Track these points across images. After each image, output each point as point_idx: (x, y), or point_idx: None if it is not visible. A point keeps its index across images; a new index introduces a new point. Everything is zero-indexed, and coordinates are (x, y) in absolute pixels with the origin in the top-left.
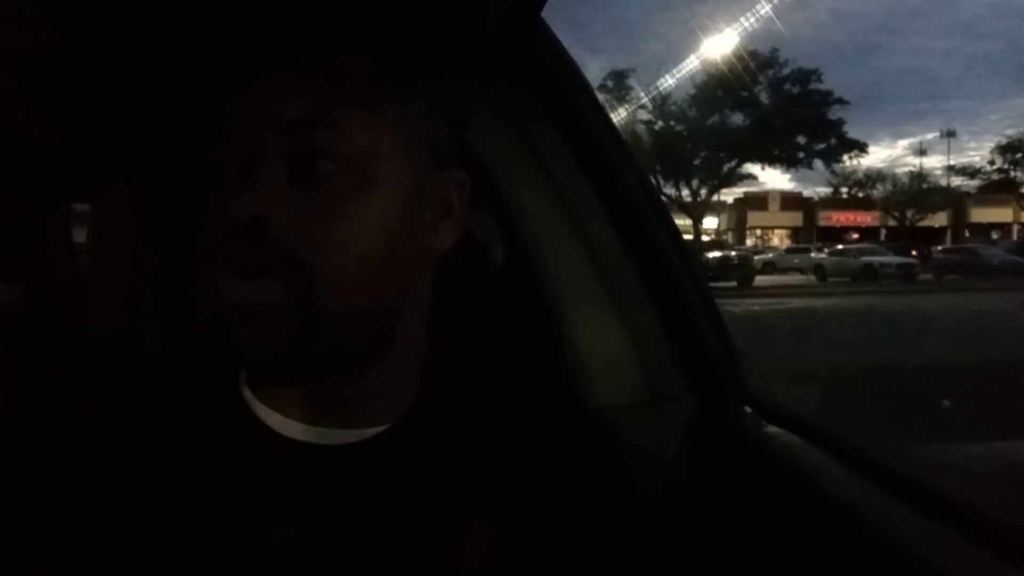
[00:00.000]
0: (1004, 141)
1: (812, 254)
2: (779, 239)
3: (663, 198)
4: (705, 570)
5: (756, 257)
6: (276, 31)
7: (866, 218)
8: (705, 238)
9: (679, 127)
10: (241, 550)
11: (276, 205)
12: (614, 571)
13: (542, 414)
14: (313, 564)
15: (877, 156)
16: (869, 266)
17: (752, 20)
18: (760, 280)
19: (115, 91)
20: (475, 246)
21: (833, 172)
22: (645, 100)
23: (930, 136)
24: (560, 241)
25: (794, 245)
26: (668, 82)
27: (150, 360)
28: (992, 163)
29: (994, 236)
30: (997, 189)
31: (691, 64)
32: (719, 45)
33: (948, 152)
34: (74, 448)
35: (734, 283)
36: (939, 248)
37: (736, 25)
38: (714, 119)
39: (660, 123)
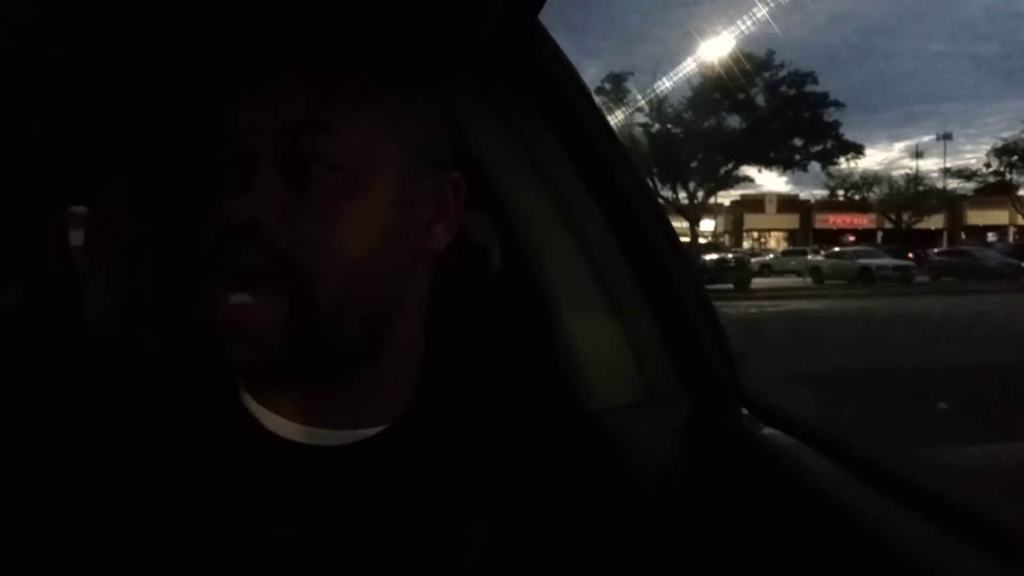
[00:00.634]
0: (1000, 144)
1: (809, 257)
2: (776, 242)
3: (660, 200)
4: (702, 571)
5: (753, 259)
6: (271, 34)
7: (862, 221)
8: (702, 240)
9: (676, 130)
10: (239, 550)
11: (269, 208)
12: (611, 572)
13: (539, 415)
14: (311, 565)
15: (873, 158)
16: (865, 269)
17: (749, 23)
18: (757, 282)
19: (112, 93)
20: (473, 248)
21: (829, 175)
22: (642, 103)
23: (926, 139)
24: (557, 243)
25: (791, 248)
26: (665, 85)
27: (147, 362)
28: (988, 166)
29: (990, 238)
30: (993, 192)
31: (688, 67)
32: (716, 48)
33: (944, 154)
34: (72, 450)
35: (731, 285)
36: (935, 251)
37: (732, 28)
38: (711, 122)
39: (657, 125)
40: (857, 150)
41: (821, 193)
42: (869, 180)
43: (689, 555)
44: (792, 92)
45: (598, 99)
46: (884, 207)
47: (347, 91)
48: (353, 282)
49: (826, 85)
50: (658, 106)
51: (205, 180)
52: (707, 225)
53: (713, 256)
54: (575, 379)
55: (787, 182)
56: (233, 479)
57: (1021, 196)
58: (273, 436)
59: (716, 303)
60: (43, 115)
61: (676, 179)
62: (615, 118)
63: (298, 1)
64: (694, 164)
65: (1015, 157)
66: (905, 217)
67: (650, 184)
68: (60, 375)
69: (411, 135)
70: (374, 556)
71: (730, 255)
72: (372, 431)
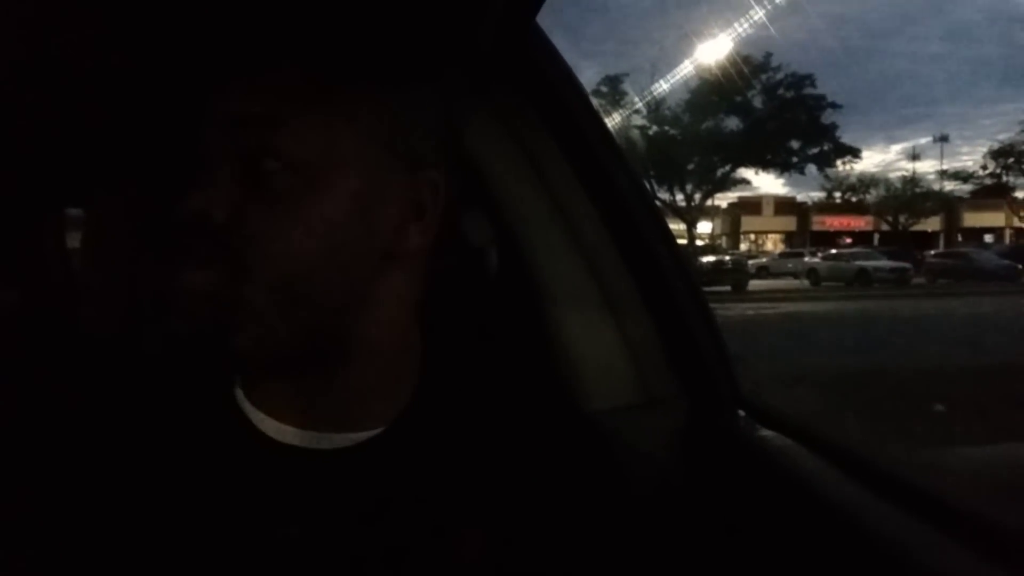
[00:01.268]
0: (997, 146)
1: (806, 258)
2: (773, 243)
3: (657, 202)
4: (700, 573)
5: (750, 261)
6: (231, 32)
7: (859, 222)
8: (699, 242)
9: (673, 131)
10: (238, 551)
11: (218, 203)
12: (609, 574)
13: (537, 418)
14: (309, 566)
15: (871, 160)
16: (863, 270)
17: (746, 25)
18: (754, 284)
19: (109, 95)
20: (470, 250)
21: (827, 177)
22: (639, 105)
23: (923, 141)
24: (555, 245)
25: (788, 249)
26: (662, 87)
27: (144, 364)
28: (985, 168)
29: (987, 240)
30: (990, 193)
31: (685, 69)
32: (713, 50)
33: (941, 157)
34: (69, 452)
35: (728, 287)
36: (932, 253)
37: (730, 30)
38: (708, 124)
39: (654, 127)
40: (854, 153)
41: (818, 195)
42: (866, 182)
43: (687, 557)
44: (789, 94)
45: (595, 101)
46: (881, 209)
47: (304, 89)
48: (293, 278)
49: (823, 87)
50: (655, 108)
51: (188, 176)
52: (704, 227)
53: (710, 258)
54: (572, 381)
55: (784, 184)
56: (230, 483)
57: (1017, 198)
58: (270, 440)
59: (713, 305)
60: (38, 118)
61: (673, 181)
62: (612, 120)
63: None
64: (691, 166)
65: (1011, 159)
66: (902, 219)
67: (647, 186)
68: (57, 378)
69: (379, 135)
70: (372, 559)
71: (727, 257)
72: (369, 434)
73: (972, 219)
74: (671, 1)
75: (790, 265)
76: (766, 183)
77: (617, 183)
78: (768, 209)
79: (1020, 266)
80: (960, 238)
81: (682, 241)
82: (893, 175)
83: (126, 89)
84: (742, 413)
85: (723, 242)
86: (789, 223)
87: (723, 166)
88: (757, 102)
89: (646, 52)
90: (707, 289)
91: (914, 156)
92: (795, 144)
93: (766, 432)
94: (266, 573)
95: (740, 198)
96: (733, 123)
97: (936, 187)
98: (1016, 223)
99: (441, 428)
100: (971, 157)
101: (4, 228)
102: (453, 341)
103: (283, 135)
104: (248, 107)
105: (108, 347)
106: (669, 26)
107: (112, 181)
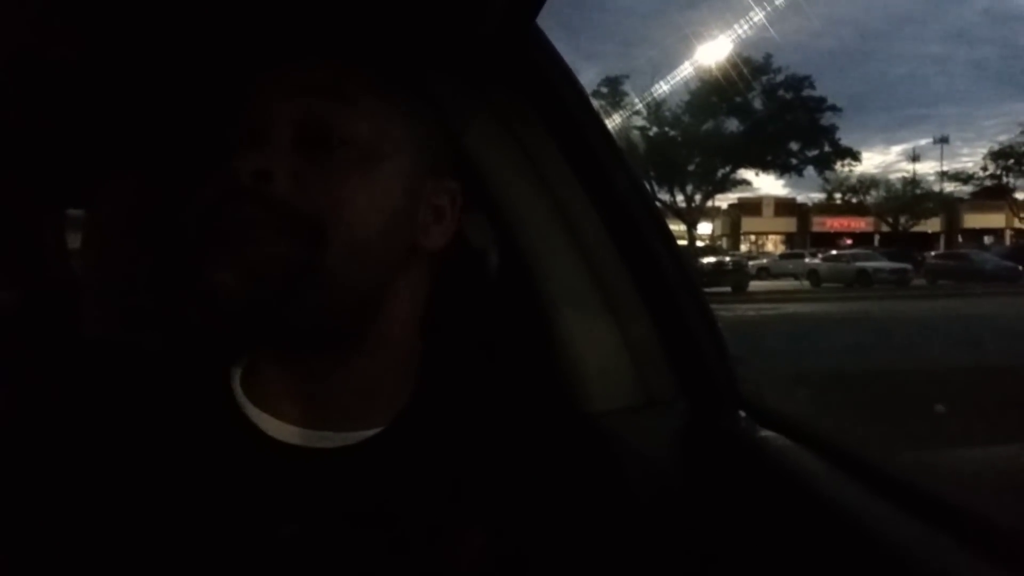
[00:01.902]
0: (997, 147)
1: (806, 259)
2: (773, 245)
3: (657, 203)
4: (700, 574)
5: (750, 262)
6: (283, 31)
7: (860, 224)
8: (700, 243)
9: (673, 133)
10: (237, 550)
11: (280, 164)
12: (609, 575)
13: (537, 419)
14: (308, 565)
15: (871, 162)
16: (863, 271)
17: (746, 27)
18: (754, 285)
19: (111, 93)
20: (470, 251)
21: (826, 179)
22: (640, 106)
23: (923, 142)
24: (555, 246)
25: (788, 251)
26: (662, 88)
27: (143, 364)
28: (985, 169)
29: (987, 241)
30: (990, 195)
31: (685, 70)
32: (713, 51)
33: (941, 158)
34: (69, 452)
35: (728, 288)
36: (932, 254)
37: (730, 32)
38: (708, 125)
39: (655, 129)
40: (853, 156)
41: (819, 196)
42: (866, 183)
43: (687, 558)
44: (789, 96)
45: (596, 102)
46: (881, 210)
47: (366, 75)
48: (359, 248)
49: (823, 89)
50: (656, 109)
51: (211, 148)
52: (704, 228)
53: (710, 259)
54: (572, 382)
55: (784, 185)
56: (230, 482)
57: (1017, 199)
58: (269, 439)
59: (713, 306)
60: (40, 117)
61: (674, 182)
62: (613, 121)
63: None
64: (691, 167)
65: (1012, 160)
66: (902, 220)
67: (648, 187)
68: (58, 378)
69: (418, 134)
70: (371, 558)
71: (727, 258)
72: (369, 433)
73: (972, 220)
74: (671, 3)
75: (790, 266)
76: (766, 184)
77: (617, 184)
78: (768, 210)
79: (1020, 267)
80: (960, 239)
81: (682, 242)
82: (893, 176)
83: (132, 86)
84: (742, 414)
85: (723, 243)
86: (789, 224)
87: (723, 167)
88: (757, 103)
89: (647, 53)
90: (707, 290)
91: (914, 157)
92: (795, 146)
93: (766, 433)
94: (266, 572)
95: (740, 199)
96: (733, 124)
97: (936, 188)
98: (1016, 224)
99: (441, 428)
100: (971, 158)
101: (4, 228)
102: (453, 341)
103: (346, 110)
104: (317, 76)
105: (107, 347)
106: (669, 27)
107: (113, 180)
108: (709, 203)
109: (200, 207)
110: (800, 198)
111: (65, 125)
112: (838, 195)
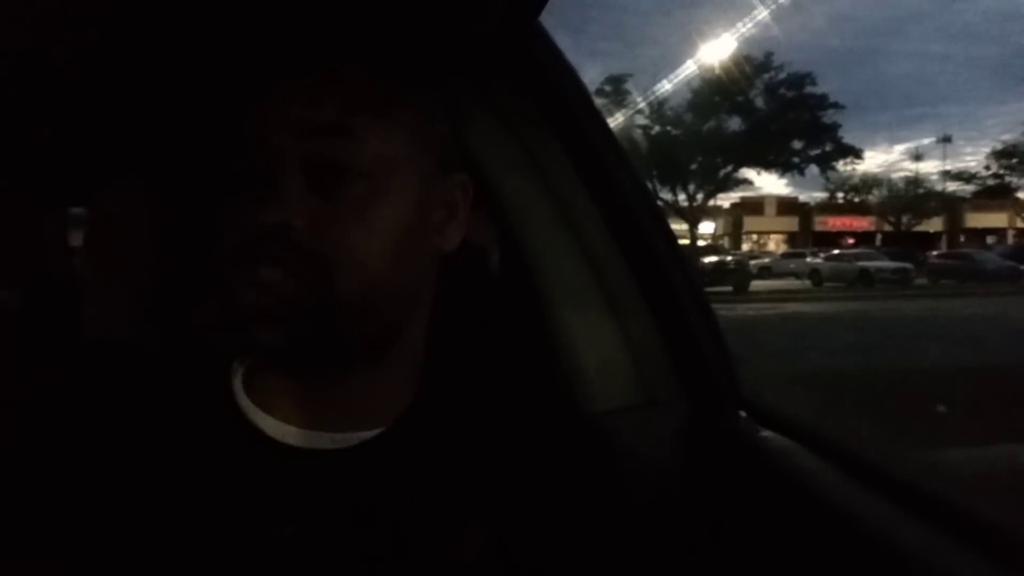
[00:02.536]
0: (1000, 146)
1: (808, 259)
2: (775, 244)
3: (659, 202)
4: (700, 574)
5: (752, 262)
6: (284, 39)
7: (862, 223)
8: (701, 243)
9: (676, 132)
10: (236, 551)
11: (298, 212)
12: (609, 575)
13: (537, 418)
14: (308, 566)
15: (873, 161)
16: (865, 271)
17: (749, 25)
18: (756, 285)
19: (114, 93)
20: (472, 250)
21: (827, 179)
22: (642, 105)
23: (926, 141)
24: (556, 245)
25: (790, 250)
26: (665, 87)
27: (145, 365)
28: (987, 168)
29: (989, 241)
30: (992, 194)
31: (688, 69)
32: (716, 50)
33: (944, 157)
34: (70, 452)
35: (730, 288)
36: (935, 253)
37: (733, 30)
38: (710, 124)
39: (657, 128)
40: (856, 154)
41: (821, 195)
42: (868, 183)
43: (687, 559)
44: (791, 94)
45: (598, 101)
46: (883, 210)
47: (366, 97)
48: (376, 280)
49: (826, 87)
50: (658, 108)
51: (218, 181)
52: (706, 227)
53: (712, 258)
54: (573, 381)
55: (786, 184)
56: (230, 483)
57: (1020, 199)
58: (270, 440)
59: (715, 305)
60: (43, 116)
61: (675, 181)
62: (615, 120)
63: (304, 7)
64: (693, 166)
65: (1015, 160)
66: (904, 220)
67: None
68: (59, 378)
69: (424, 139)
70: (371, 560)
71: (729, 257)
72: (370, 433)
73: (975, 220)
74: (674, 1)
75: (792, 265)
76: (768, 183)
77: (619, 183)
78: (770, 209)
79: (1023, 267)
80: (963, 239)
81: (684, 241)
82: (896, 175)
83: (135, 87)
84: (743, 414)
85: (725, 242)
86: (791, 223)
87: (725, 166)
88: (759, 102)
89: (649, 52)
90: (709, 289)
91: (917, 156)
92: (797, 144)
93: (767, 433)
94: (265, 573)
95: (742, 198)
96: (735, 123)
97: (939, 188)
98: (1019, 224)
99: (442, 428)
100: (974, 158)
101: (5, 228)
102: (455, 341)
103: (354, 143)
104: (321, 116)
105: (109, 347)
106: (672, 26)
107: (116, 180)
108: (711, 202)
109: (227, 248)
110: (802, 197)
111: (67, 124)
112: (840, 194)
